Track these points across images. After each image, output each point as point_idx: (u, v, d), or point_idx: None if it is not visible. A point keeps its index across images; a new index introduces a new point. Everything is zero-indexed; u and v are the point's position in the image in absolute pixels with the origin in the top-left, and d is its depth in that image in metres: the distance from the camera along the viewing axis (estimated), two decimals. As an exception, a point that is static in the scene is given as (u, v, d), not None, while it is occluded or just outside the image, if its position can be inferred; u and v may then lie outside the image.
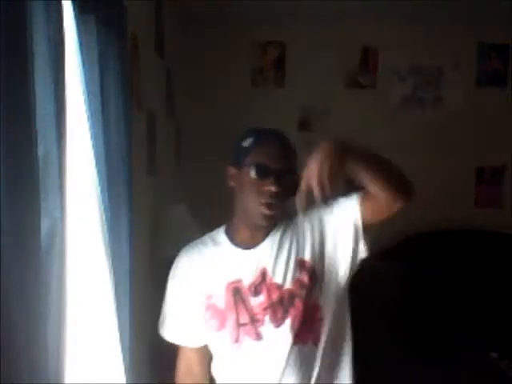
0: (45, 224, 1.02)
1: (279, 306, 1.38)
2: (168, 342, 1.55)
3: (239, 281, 1.40)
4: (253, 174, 1.38)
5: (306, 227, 1.45)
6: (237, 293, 1.40)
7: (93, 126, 1.46)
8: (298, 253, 1.42)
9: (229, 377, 1.45)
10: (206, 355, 1.51)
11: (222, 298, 1.41)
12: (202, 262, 1.47)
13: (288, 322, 1.37)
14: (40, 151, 0.99)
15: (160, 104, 2.87)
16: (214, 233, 1.52)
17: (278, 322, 1.38)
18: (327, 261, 1.43)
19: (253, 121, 4.12)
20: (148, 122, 2.48)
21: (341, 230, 1.43)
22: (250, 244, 1.44)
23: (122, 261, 1.68)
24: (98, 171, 1.51)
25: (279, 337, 1.37)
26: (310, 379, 1.39)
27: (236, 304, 1.39)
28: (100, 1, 1.46)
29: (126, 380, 1.71)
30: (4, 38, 0.85)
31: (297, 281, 1.39)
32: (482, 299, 3.40)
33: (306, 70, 3.88)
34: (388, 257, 3.44)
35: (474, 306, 3.36)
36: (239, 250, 1.44)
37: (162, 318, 1.54)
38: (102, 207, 1.56)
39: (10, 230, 0.86)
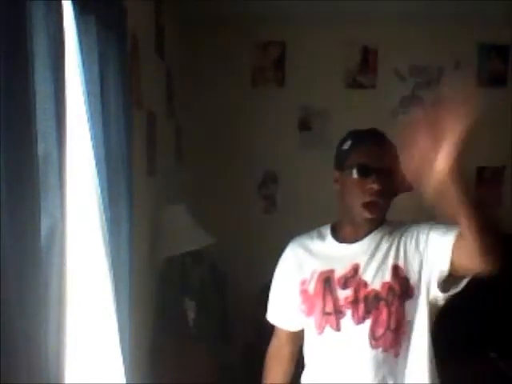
0: (45, 224, 1.02)
1: (362, 304, 1.42)
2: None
3: (331, 271, 1.47)
4: (354, 174, 1.43)
5: (407, 238, 1.45)
6: (327, 282, 1.47)
7: (93, 126, 1.46)
8: (394, 259, 1.43)
9: (315, 360, 1.53)
10: (296, 338, 1.61)
11: (312, 285, 1.49)
12: (303, 252, 1.55)
13: (368, 322, 1.40)
14: (40, 151, 0.99)
15: (160, 104, 2.87)
16: (322, 228, 1.59)
17: (358, 320, 1.41)
18: (423, 278, 1.42)
19: (253, 121, 4.13)
20: (148, 122, 2.48)
21: (428, 263, 1.40)
22: (350, 239, 1.50)
23: (122, 261, 1.68)
24: (98, 171, 1.50)
25: (357, 334, 1.41)
26: None
27: (324, 292, 1.46)
28: (100, 1, 1.46)
29: (126, 380, 1.71)
30: (4, 38, 0.85)
31: (386, 285, 1.41)
32: (482, 299, 3.40)
33: (306, 70, 3.88)
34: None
35: (473, 306, 3.35)
36: (339, 244, 1.51)
37: (269, 302, 1.66)
38: (102, 207, 1.55)
39: (10, 230, 0.86)
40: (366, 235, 1.48)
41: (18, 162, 0.89)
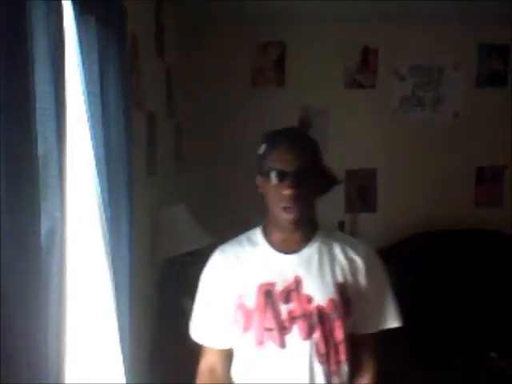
0: (45, 224, 1.02)
1: (307, 320, 1.37)
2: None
3: (272, 284, 1.39)
4: (270, 179, 1.38)
5: (342, 257, 1.45)
6: (268, 295, 1.39)
7: (93, 126, 1.46)
8: (339, 277, 1.42)
9: (250, 378, 1.43)
10: (228, 357, 1.51)
11: (252, 298, 1.40)
12: (236, 262, 1.46)
13: (314, 338, 1.37)
14: (40, 151, 0.99)
15: (160, 104, 2.87)
16: (250, 233, 1.52)
17: (305, 335, 1.37)
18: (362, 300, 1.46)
19: (253, 121, 4.13)
20: (148, 122, 2.48)
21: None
22: (286, 249, 1.44)
23: (122, 261, 1.68)
24: (98, 171, 1.50)
25: (303, 350, 1.37)
26: None
27: (265, 307, 1.38)
28: (100, 1, 1.46)
29: (126, 380, 1.71)
30: (4, 38, 0.85)
31: (331, 301, 1.39)
32: (482, 299, 3.40)
33: (306, 70, 3.88)
34: (388, 256, 3.44)
35: (473, 306, 3.36)
36: (276, 253, 1.44)
37: (192, 318, 1.54)
38: (102, 207, 1.55)
39: (10, 229, 0.86)
40: (303, 244, 1.44)
41: (17, 161, 0.89)
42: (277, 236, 1.45)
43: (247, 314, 1.41)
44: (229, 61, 3.83)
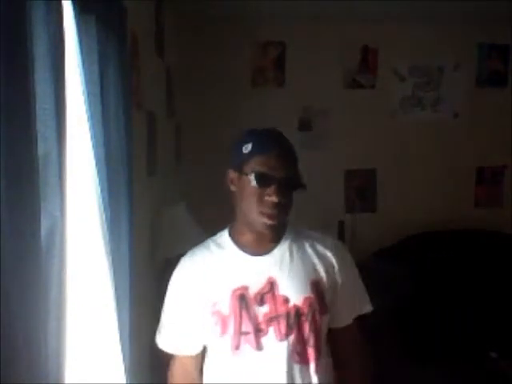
0: (45, 224, 1.01)
1: (284, 321, 1.35)
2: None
3: (245, 288, 1.37)
4: (254, 182, 1.33)
5: (313, 254, 1.44)
6: (242, 300, 1.36)
7: (93, 126, 1.46)
8: (313, 274, 1.41)
9: (224, 381, 1.41)
10: (200, 360, 1.49)
11: (226, 304, 1.37)
12: (206, 268, 1.42)
13: (291, 338, 1.36)
14: (40, 151, 0.98)
15: (160, 104, 2.87)
16: (217, 237, 1.49)
17: (281, 336, 1.35)
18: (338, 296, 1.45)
19: (253, 121, 4.13)
20: (148, 122, 2.48)
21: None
22: (257, 250, 1.41)
23: (122, 261, 1.68)
24: (98, 171, 1.50)
25: (280, 351, 1.35)
26: None
27: (240, 311, 1.36)
28: (100, 1, 1.46)
29: (126, 380, 1.71)
30: (4, 38, 0.85)
31: (307, 300, 1.38)
32: (482, 299, 3.40)
33: (306, 70, 3.88)
34: (387, 256, 3.44)
35: (473, 306, 3.36)
36: (246, 256, 1.41)
37: (159, 327, 1.50)
38: (102, 207, 1.55)
39: (10, 229, 0.86)
40: (273, 245, 1.42)
41: (18, 161, 0.89)
42: (246, 237, 1.42)
43: (223, 320, 1.38)
44: (229, 61, 3.83)
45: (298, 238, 1.46)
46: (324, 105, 3.92)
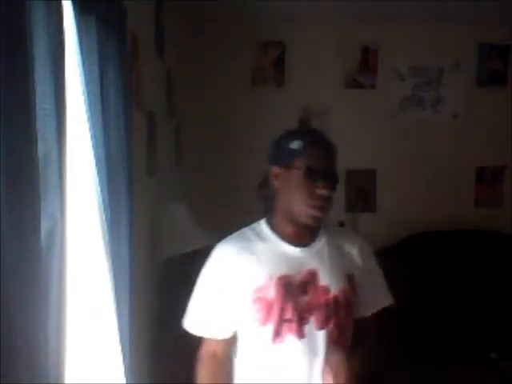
0: (45, 224, 1.02)
1: (324, 310, 1.42)
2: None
3: (289, 276, 1.42)
4: (304, 176, 1.40)
5: (345, 249, 1.53)
6: (288, 288, 1.41)
7: (93, 126, 1.46)
8: (349, 268, 1.49)
9: (265, 371, 1.45)
10: (229, 347, 1.50)
11: (272, 290, 1.41)
12: (247, 255, 1.45)
13: (330, 327, 1.42)
14: (40, 151, 0.99)
15: (160, 104, 2.87)
16: (255, 226, 1.52)
17: (321, 325, 1.42)
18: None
19: (253, 121, 4.12)
20: (148, 122, 2.48)
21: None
22: (298, 241, 1.47)
23: (122, 261, 1.68)
24: (98, 171, 1.51)
25: (320, 340, 1.41)
26: None
27: (285, 299, 1.41)
28: (100, 1, 1.46)
29: (126, 380, 1.71)
30: (4, 38, 0.85)
31: (343, 291, 1.45)
32: (482, 299, 3.40)
33: (306, 70, 3.88)
34: (387, 256, 3.43)
35: (473, 306, 3.36)
36: (289, 247, 1.46)
37: (189, 310, 1.50)
38: (102, 207, 1.56)
39: (9, 229, 0.86)
40: (312, 237, 1.49)
41: (18, 161, 0.89)
42: (287, 229, 1.47)
43: (267, 306, 1.41)
44: (229, 61, 3.83)
45: (332, 233, 1.54)
46: (324, 105, 3.92)
